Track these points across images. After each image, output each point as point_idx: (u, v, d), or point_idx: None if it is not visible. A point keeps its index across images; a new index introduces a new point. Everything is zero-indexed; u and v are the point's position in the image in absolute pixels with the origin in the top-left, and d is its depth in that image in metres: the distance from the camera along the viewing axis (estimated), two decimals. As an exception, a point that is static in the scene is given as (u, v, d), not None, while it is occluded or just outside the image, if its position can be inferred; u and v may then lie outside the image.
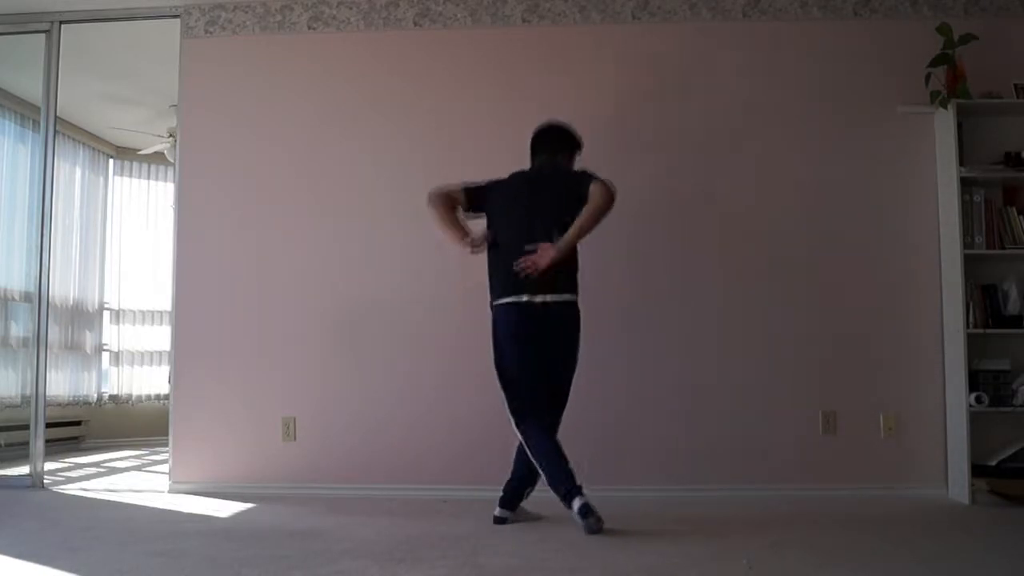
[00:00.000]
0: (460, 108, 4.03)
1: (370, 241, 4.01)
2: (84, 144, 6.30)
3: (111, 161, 6.69)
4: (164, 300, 5.49)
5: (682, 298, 3.89)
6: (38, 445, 4.14)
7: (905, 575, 2.44)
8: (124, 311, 6.69)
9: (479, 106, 4.02)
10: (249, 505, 3.58)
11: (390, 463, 3.88)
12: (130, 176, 6.83)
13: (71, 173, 6.14)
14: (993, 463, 3.62)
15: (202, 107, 4.12)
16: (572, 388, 3.21)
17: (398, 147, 4.03)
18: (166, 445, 4.04)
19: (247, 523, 3.24)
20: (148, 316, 6.76)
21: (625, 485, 3.69)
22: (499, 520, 3.16)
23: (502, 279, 3.15)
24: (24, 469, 4.17)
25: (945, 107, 3.72)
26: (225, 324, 4.02)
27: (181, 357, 4.03)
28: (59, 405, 5.76)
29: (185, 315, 4.05)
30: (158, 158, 6.50)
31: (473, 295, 3.82)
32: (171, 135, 5.70)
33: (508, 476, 3.24)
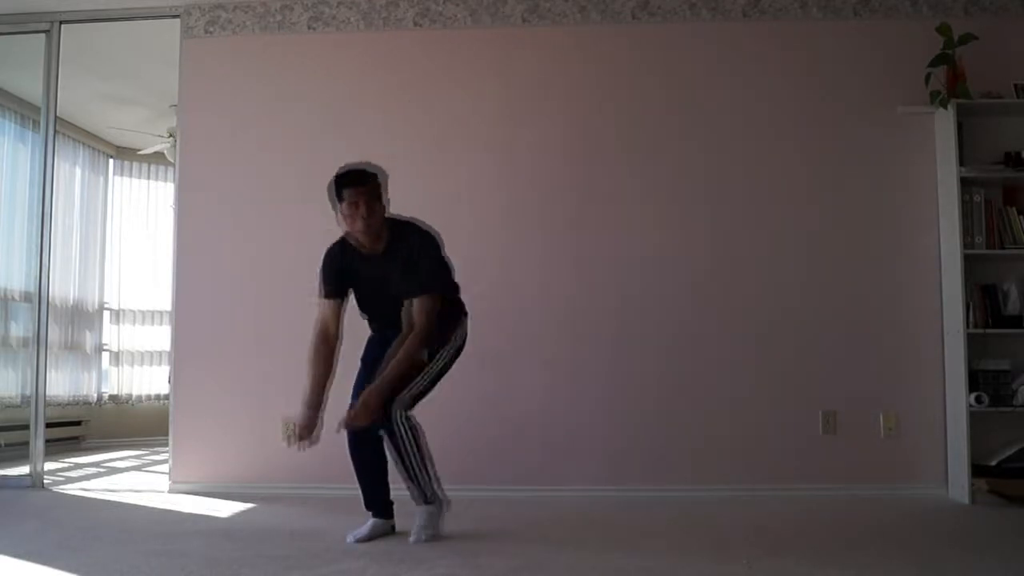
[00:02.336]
0: (460, 108, 4.03)
1: (370, 241, 4.00)
2: (84, 144, 6.29)
3: (111, 161, 6.68)
4: (164, 300, 5.49)
5: (681, 298, 3.88)
6: (38, 445, 4.14)
7: (905, 575, 2.45)
8: (124, 311, 6.68)
9: (479, 106, 4.02)
10: (249, 505, 3.58)
11: (390, 463, 3.87)
12: (130, 176, 6.82)
13: (71, 173, 6.13)
14: (993, 463, 3.62)
15: (202, 107, 4.12)
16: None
17: (398, 147, 4.02)
18: (166, 445, 4.03)
19: (247, 523, 3.25)
20: (148, 316, 6.75)
21: (626, 485, 3.69)
22: None
23: None
24: (24, 469, 4.17)
25: (945, 107, 3.72)
26: (225, 324, 4.02)
27: (181, 357, 4.03)
28: (59, 405, 5.74)
29: (185, 315, 4.04)
30: (158, 158, 6.50)
31: (472, 295, 3.83)
32: (171, 135, 5.69)
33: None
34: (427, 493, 2.92)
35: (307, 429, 2.94)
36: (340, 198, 2.86)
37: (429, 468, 2.92)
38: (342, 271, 2.98)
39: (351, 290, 3.02)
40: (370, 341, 3.10)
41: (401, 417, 2.87)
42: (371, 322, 3.09)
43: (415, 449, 2.90)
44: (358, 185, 2.84)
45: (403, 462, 2.88)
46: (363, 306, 3.05)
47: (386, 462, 2.99)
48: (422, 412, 3.89)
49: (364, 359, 3.07)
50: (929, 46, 3.73)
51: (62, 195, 5.74)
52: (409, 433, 2.88)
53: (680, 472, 3.78)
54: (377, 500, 3.03)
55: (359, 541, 2.87)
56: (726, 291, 3.88)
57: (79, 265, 6.24)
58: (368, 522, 2.98)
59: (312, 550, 2.70)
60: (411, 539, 2.85)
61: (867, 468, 3.77)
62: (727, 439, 3.81)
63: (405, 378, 2.86)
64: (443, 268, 2.99)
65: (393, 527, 3.03)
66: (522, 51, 4.03)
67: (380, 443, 2.92)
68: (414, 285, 2.87)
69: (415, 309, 2.87)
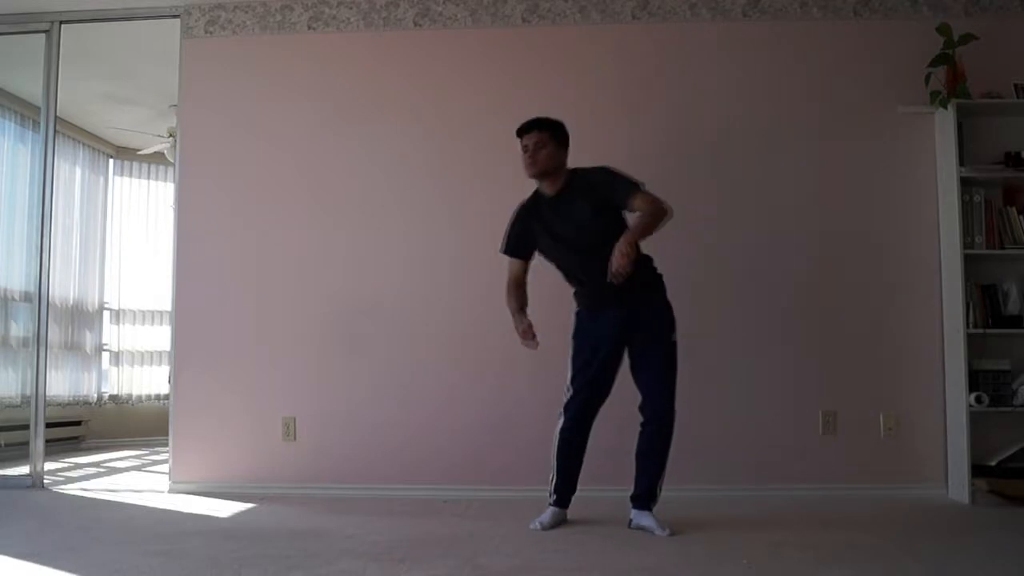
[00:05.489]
0: (460, 108, 4.03)
1: (370, 241, 4.01)
2: (84, 144, 6.29)
3: (111, 161, 6.69)
4: (164, 300, 5.49)
5: (680, 298, 3.87)
6: (38, 445, 4.14)
7: (905, 575, 2.45)
8: (124, 311, 6.68)
9: (479, 106, 4.02)
10: (249, 505, 3.58)
11: (390, 463, 3.88)
12: (130, 176, 6.83)
13: (71, 173, 6.14)
14: (993, 463, 3.62)
15: (202, 107, 4.12)
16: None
17: (398, 147, 4.03)
18: (166, 445, 4.04)
19: (247, 523, 3.25)
20: (148, 316, 6.76)
21: (625, 486, 3.67)
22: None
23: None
24: (24, 469, 4.17)
25: (945, 107, 3.72)
26: (225, 324, 4.02)
27: (181, 357, 4.03)
28: (59, 405, 5.75)
29: (185, 315, 4.04)
30: (158, 158, 6.50)
31: (474, 295, 3.83)
32: (171, 135, 5.70)
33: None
34: (659, 491, 3.11)
35: (529, 331, 3.12)
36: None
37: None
38: (523, 232, 3.20)
39: (536, 250, 3.22)
40: (582, 318, 3.17)
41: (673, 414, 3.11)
42: (571, 280, 3.20)
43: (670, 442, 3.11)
44: (524, 132, 3.12)
45: (664, 453, 3.09)
46: (554, 260, 3.19)
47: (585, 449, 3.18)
48: (410, 411, 3.90)
49: (582, 341, 3.14)
50: (929, 46, 3.73)
51: (62, 195, 5.74)
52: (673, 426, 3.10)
53: (680, 472, 3.75)
54: (570, 488, 3.18)
55: (544, 529, 3.04)
56: (725, 290, 3.88)
57: (79, 265, 6.25)
58: (550, 510, 3.13)
59: (312, 550, 2.70)
60: (663, 533, 2.94)
61: (867, 468, 3.77)
62: (727, 439, 3.80)
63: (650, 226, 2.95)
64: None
65: (566, 517, 3.18)
66: (522, 51, 4.04)
67: (590, 428, 3.16)
68: (621, 195, 3.02)
69: (639, 207, 2.98)
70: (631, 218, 3.07)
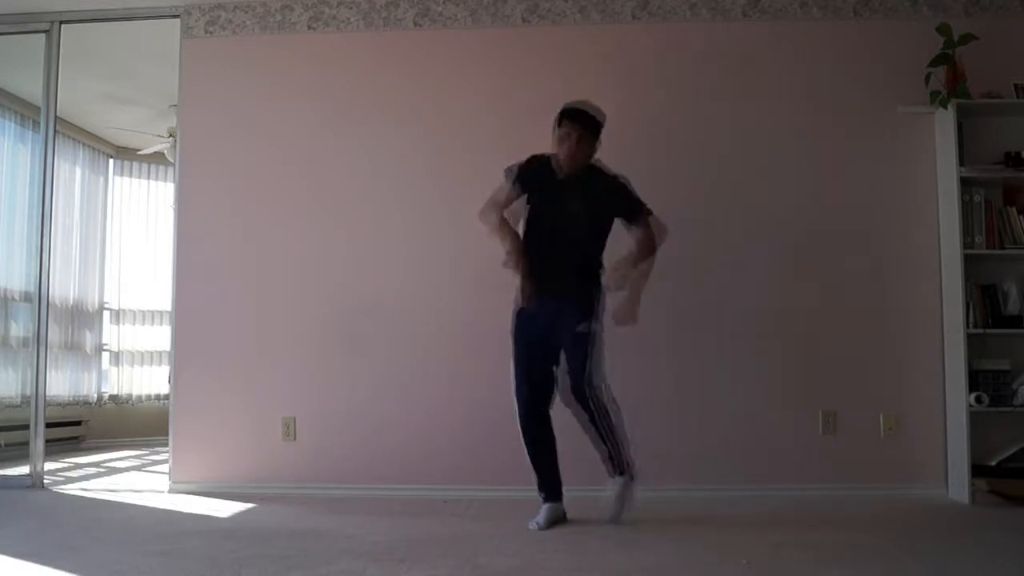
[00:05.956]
0: (460, 108, 4.03)
1: (370, 241, 4.01)
2: (84, 144, 6.29)
3: (111, 161, 6.69)
4: (164, 300, 5.49)
5: (681, 297, 3.88)
6: (38, 445, 4.14)
7: (905, 575, 2.45)
8: (124, 311, 6.68)
9: (479, 106, 4.02)
10: (249, 505, 3.59)
11: (390, 463, 3.88)
12: (130, 176, 6.83)
13: (71, 173, 6.14)
14: (993, 463, 3.63)
15: (202, 107, 4.12)
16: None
17: (398, 147, 4.03)
18: (166, 445, 4.04)
19: (247, 523, 3.25)
20: (148, 316, 6.76)
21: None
22: None
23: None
24: (24, 469, 4.17)
25: (945, 107, 3.72)
26: (225, 324, 4.02)
27: (181, 357, 4.03)
28: (59, 405, 5.74)
29: (185, 315, 4.04)
30: (158, 158, 6.50)
31: (474, 295, 3.83)
32: (171, 135, 5.70)
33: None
34: (621, 458, 3.09)
35: (517, 251, 3.15)
36: (559, 124, 3.16)
37: (619, 435, 3.10)
38: (533, 176, 3.21)
39: (528, 203, 3.22)
40: (520, 316, 3.19)
41: (593, 395, 3.09)
42: (533, 266, 3.13)
43: (607, 416, 3.10)
44: (575, 121, 3.14)
45: (597, 425, 3.08)
46: (533, 232, 3.19)
47: (555, 440, 3.20)
48: (410, 411, 3.90)
49: (518, 338, 3.19)
50: (929, 46, 3.73)
51: (62, 195, 5.74)
52: (602, 408, 3.09)
53: (680, 472, 3.78)
54: (552, 481, 3.19)
55: (541, 528, 3.03)
56: (725, 291, 3.88)
57: (79, 265, 6.25)
58: (543, 507, 3.14)
59: (312, 550, 2.70)
60: (607, 516, 3.00)
61: (867, 468, 3.77)
62: (727, 439, 3.80)
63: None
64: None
65: (565, 513, 3.18)
66: (522, 51, 4.03)
67: (550, 420, 3.19)
68: (628, 210, 3.17)
69: (641, 235, 3.15)
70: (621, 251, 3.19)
